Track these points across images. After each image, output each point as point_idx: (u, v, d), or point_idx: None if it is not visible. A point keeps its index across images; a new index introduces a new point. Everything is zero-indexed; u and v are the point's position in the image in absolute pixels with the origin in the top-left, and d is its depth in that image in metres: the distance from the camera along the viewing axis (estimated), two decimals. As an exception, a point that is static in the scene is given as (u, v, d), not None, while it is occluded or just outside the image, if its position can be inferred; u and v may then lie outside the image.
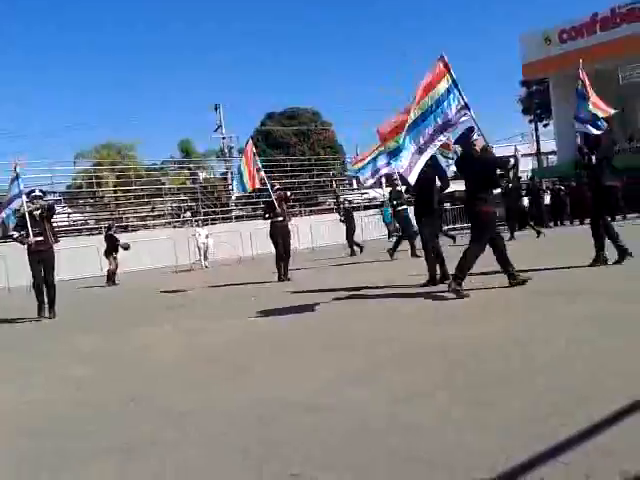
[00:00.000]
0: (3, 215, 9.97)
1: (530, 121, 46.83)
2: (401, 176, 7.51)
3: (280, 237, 11.99)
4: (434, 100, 7.25)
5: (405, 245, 14.31)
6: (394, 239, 24.90)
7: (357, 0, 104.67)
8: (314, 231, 24.14)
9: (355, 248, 18.17)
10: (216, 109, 37.96)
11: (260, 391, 3.99)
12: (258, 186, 13.24)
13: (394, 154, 7.27)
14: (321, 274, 12.95)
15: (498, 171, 7.46)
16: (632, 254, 8.06)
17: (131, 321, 8.32)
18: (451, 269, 7.46)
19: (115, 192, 30.22)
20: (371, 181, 14.43)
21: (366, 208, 31.66)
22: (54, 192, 25.84)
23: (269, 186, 12.59)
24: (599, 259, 8.14)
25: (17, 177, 10.04)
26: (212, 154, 40.38)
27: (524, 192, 24.22)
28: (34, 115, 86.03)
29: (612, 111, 8.91)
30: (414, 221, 9.64)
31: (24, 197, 9.79)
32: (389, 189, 29.73)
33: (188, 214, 28.07)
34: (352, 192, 37.49)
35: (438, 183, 8.46)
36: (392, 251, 14.19)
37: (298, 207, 29.38)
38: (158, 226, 27.55)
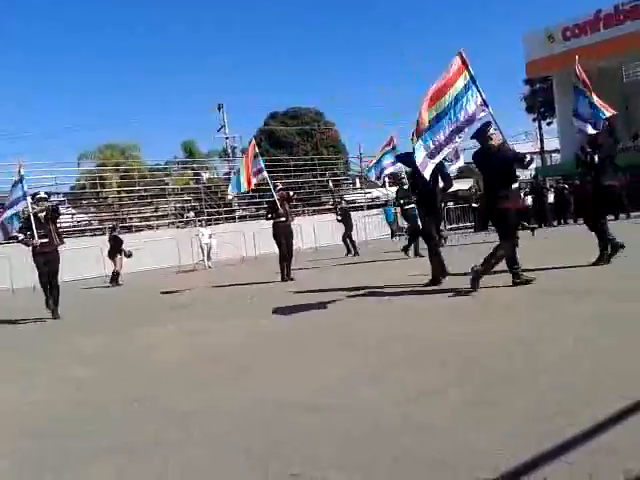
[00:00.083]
0: (4, 216, 10.00)
1: (534, 119, 46.82)
2: (418, 172, 7.54)
3: (283, 237, 11.98)
4: (453, 96, 7.25)
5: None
6: (397, 239, 25.07)
7: (358, 2, 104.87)
8: (317, 231, 24.12)
9: (350, 248, 18.11)
10: (219, 109, 38.08)
11: (264, 391, 3.99)
12: (252, 187, 13.28)
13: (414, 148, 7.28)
14: (324, 274, 12.94)
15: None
16: (623, 245, 8.16)
17: (134, 321, 8.32)
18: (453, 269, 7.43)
19: (119, 192, 30.25)
20: (380, 181, 14.46)
21: (369, 208, 31.63)
22: (57, 193, 25.88)
23: (271, 186, 12.60)
24: (602, 258, 8.12)
25: (21, 179, 10.06)
26: (215, 154, 40.50)
27: (528, 191, 24.24)
28: (35, 116, 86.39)
29: (613, 112, 8.86)
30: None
31: (29, 199, 9.81)
32: (392, 188, 29.81)
33: (191, 214, 28.07)
34: (355, 191, 37.51)
35: (441, 183, 8.44)
36: (406, 249, 14.12)
37: (301, 207, 29.38)
38: (162, 226, 27.57)
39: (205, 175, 34.70)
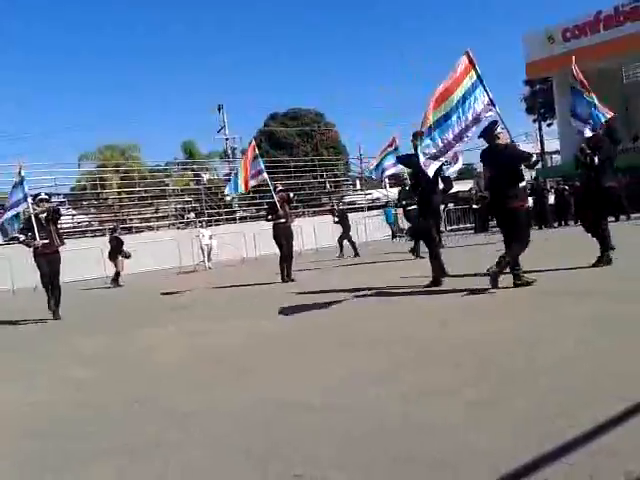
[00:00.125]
0: (5, 218, 10.00)
1: (534, 120, 46.79)
2: (420, 173, 7.59)
3: (283, 238, 11.99)
4: (461, 96, 7.29)
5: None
6: (397, 240, 25.07)
7: (358, 2, 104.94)
8: (318, 232, 24.13)
9: (341, 250, 18.09)
10: (219, 110, 38.03)
11: (264, 391, 3.99)
12: (250, 189, 13.31)
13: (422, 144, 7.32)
14: (325, 275, 12.94)
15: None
16: (614, 247, 8.22)
17: (135, 322, 8.32)
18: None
19: (119, 194, 30.26)
20: (383, 182, 14.45)
21: (369, 209, 31.64)
22: (58, 194, 25.90)
23: (271, 187, 12.61)
24: (603, 259, 8.12)
25: (22, 181, 10.06)
26: (215, 155, 40.49)
27: (528, 192, 24.21)
28: (34, 116, 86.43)
29: (612, 114, 8.84)
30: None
31: (29, 200, 9.81)
32: (392, 189, 29.79)
33: (192, 215, 28.07)
34: (355, 193, 37.53)
35: (441, 185, 8.45)
36: (414, 250, 14.03)
37: (302, 208, 29.38)
38: (162, 227, 27.58)
39: (205, 176, 34.71)
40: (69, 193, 29.63)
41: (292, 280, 11.61)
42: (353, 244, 18.25)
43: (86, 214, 29.57)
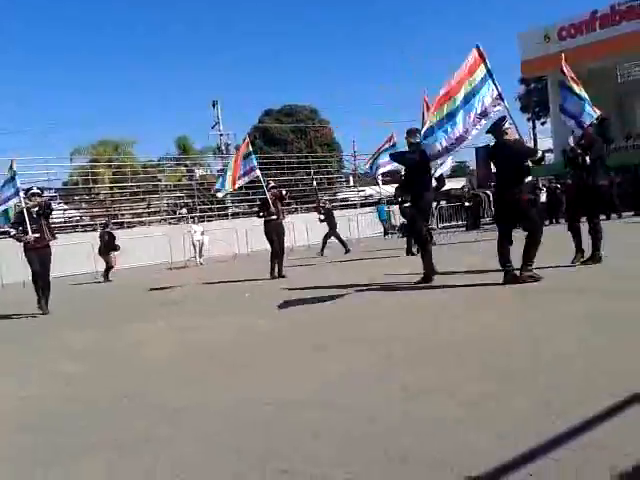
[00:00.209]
0: None
1: (528, 119, 46.94)
2: (411, 170, 7.66)
3: (275, 235, 11.96)
4: (470, 89, 7.36)
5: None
6: (389, 236, 25.08)
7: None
8: (310, 229, 24.08)
9: (323, 248, 18.03)
10: (214, 106, 37.89)
11: (255, 388, 3.98)
12: (236, 189, 13.28)
13: (430, 133, 7.37)
14: (316, 271, 12.92)
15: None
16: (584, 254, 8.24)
17: (125, 317, 8.29)
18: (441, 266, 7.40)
19: (111, 189, 30.13)
20: (378, 172, 14.43)
21: (362, 206, 31.62)
22: (50, 188, 25.75)
23: (264, 184, 12.57)
24: (594, 257, 8.13)
25: (14, 176, 9.99)
26: (209, 151, 40.29)
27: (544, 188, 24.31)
28: (31, 113, 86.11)
29: (599, 112, 8.83)
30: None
31: (21, 194, 9.75)
32: (386, 187, 29.76)
33: (184, 211, 27.97)
34: (348, 189, 37.51)
35: (434, 183, 8.43)
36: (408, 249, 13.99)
37: (295, 204, 29.34)
38: (154, 223, 27.48)
39: (198, 172, 34.60)
40: (61, 188, 29.46)
41: (283, 276, 11.59)
42: (341, 241, 18.14)
43: (77, 209, 29.44)
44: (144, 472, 2.81)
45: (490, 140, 8.07)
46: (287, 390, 3.83)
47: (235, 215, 29.20)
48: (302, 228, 22.74)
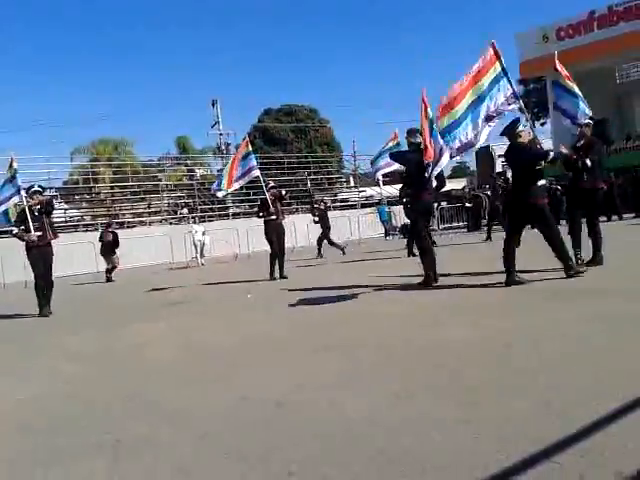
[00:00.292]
0: None
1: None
2: (410, 170, 7.72)
3: (274, 235, 11.95)
4: (484, 86, 7.40)
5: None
6: (390, 237, 25.07)
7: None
8: (310, 229, 24.09)
9: (335, 249, 17.89)
10: (213, 105, 37.88)
11: (255, 389, 3.97)
12: (233, 187, 13.27)
13: (447, 132, 7.42)
14: (317, 273, 12.93)
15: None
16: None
17: (126, 318, 8.28)
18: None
19: (112, 188, 30.11)
20: (378, 174, 14.40)
21: (362, 206, 31.59)
22: (50, 188, 25.73)
23: (263, 184, 12.56)
24: (596, 259, 8.13)
25: (14, 175, 9.96)
26: (209, 151, 40.26)
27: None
28: (32, 112, 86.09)
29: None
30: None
31: (23, 193, 9.72)
32: (386, 187, 29.70)
33: (185, 211, 27.95)
34: (349, 190, 37.48)
35: (434, 183, 8.42)
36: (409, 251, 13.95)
37: (295, 204, 29.33)
38: (154, 223, 27.47)
39: (199, 172, 34.58)
40: (61, 187, 29.45)
41: (284, 277, 11.59)
42: (334, 244, 18.02)
43: (78, 208, 29.42)
44: (144, 473, 2.81)
45: (490, 140, 8.10)
46: (288, 390, 3.83)
47: (236, 215, 29.17)
48: (303, 229, 22.73)
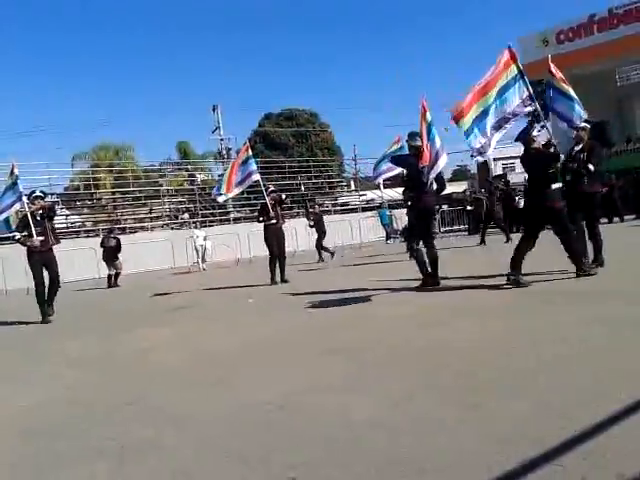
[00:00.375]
0: None
1: (528, 122, 46.86)
2: (411, 174, 7.78)
3: (275, 240, 11.95)
4: (499, 89, 7.47)
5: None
6: (392, 241, 25.04)
7: (356, 2, 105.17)
8: (312, 233, 24.10)
9: (324, 254, 17.89)
10: (214, 110, 37.95)
11: (257, 392, 3.97)
12: (233, 193, 13.29)
13: (467, 133, 7.49)
14: (318, 277, 12.93)
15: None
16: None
17: (128, 324, 8.29)
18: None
19: (113, 194, 30.14)
20: (379, 180, 14.45)
21: (363, 210, 31.60)
22: (52, 194, 25.76)
23: (263, 189, 12.56)
24: (597, 261, 8.13)
25: (15, 181, 9.95)
26: (210, 156, 40.35)
27: (522, 193, 24.26)
28: (32, 117, 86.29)
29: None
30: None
31: (24, 199, 9.72)
32: (387, 190, 29.70)
33: (186, 216, 27.97)
34: (350, 194, 37.50)
35: (434, 185, 8.43)
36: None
37: (297, 208, 29.34)
38: (156, 228, 27.47)
39: (200, 176, 34.61)
40: (62, 193, 29.50)
41: (286, 281, 11.58)
42: (325, 249, 18.09)
43: (79, 214, 29.44)
44: (147, 476, 2.82)
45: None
46: (290, 393, 3.83)
47: (237, 220, 29.16)
48: (304, 233, 22.73)
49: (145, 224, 27.84)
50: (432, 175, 7.97)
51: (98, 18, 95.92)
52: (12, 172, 10.16)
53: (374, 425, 3.11)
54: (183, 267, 20.47)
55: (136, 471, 2.89)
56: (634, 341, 4.22)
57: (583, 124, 8.37)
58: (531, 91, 7.53)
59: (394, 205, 27.87)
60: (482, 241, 16.86)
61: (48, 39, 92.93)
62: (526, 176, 8.23)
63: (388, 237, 26.23)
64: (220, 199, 14.70)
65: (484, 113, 7.43)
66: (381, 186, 22.91)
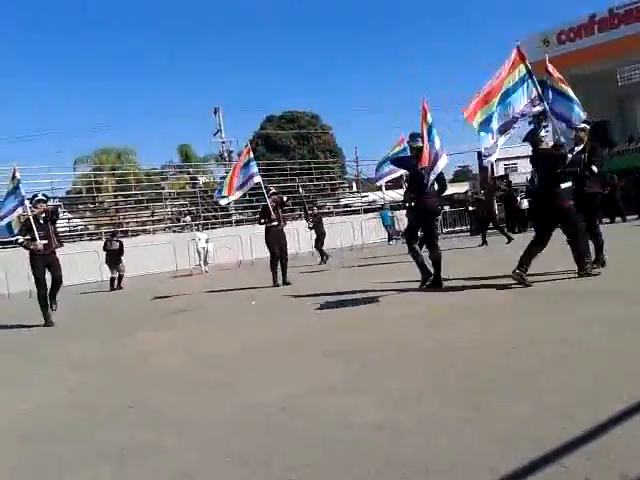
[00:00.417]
0: None
1: (529, 123, 46.87)
2: (411, 175, 7.85)
3: (276, 242, 11.95)
4: (507, 88, 7.55)
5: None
6: (394, 242, 25.05)
7: (356, 4, 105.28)
8: (314, 235, 24.11)
9: (323, 255, 17.86)
10: (215, 113, 38.02)
11: (259, 395, 3.96)
12: (234, 197, 13.31)
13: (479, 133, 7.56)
14: (320, 278, 12.93)
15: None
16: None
17: (130, 327, 8.29)
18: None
19: (115, 197, 30.20)
20: (381, 182, 14.45)
21: (365, 211, 31.61)
22: (54, 197, 25.80)
23: (264, 191, 12.56)
24: (598, 260, 8.11)
25: (17, 185, 9.95)
26: (212, 158, 40.41)
27: (524, 194, 24.29)
28: (36, 120, 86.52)
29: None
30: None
31: (27, 202, 9.72)
32: (389, 192, 29.71)
33: (188, 218, 27.99)
34: (352, 195, 37.51)
35: (435, 186, 8.43)
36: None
37: (299, 210, 29.32)
38: (158, 231, 27.51)
39: (201, 179, 34.64)
40: (65, 197, 29.54)
41: (288, 283, 11.58)
42: (319, 250, 18.17)
43: (82, 218, 29.48)
44: (149, 479, 2.82)
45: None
46: (292, 395, 3.82)
47: (239, 222, 29.18)
48: (306, 235, 22.74)
49: (147, 227, 27.88)
50: (432, 176, 7.98)
51: (98, 21, 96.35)
52: (14, 176, 10.16)
53: (377, 426, 3.10)
54: (185, 270, 20.48)
55: (137, 474, 2.89)
56: (634, 341, 4.21)
57: (582, 125, 8.35)
58: (540, 91, 7.54)
59: (396, 206, 27.86)
60: (484, 242, 16.89)
61: (48, 42, 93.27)
62: (528, 177, 8.31)
63: (390, 238, 26.24)
64: (222, 202, 14.73)
65: (491, 116, 7.46)
66: (383, 187, 22.90)
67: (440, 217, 23.77)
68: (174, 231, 27.25)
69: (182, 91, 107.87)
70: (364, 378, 4.13)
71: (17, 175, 10.10)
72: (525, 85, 7.54)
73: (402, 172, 13.41)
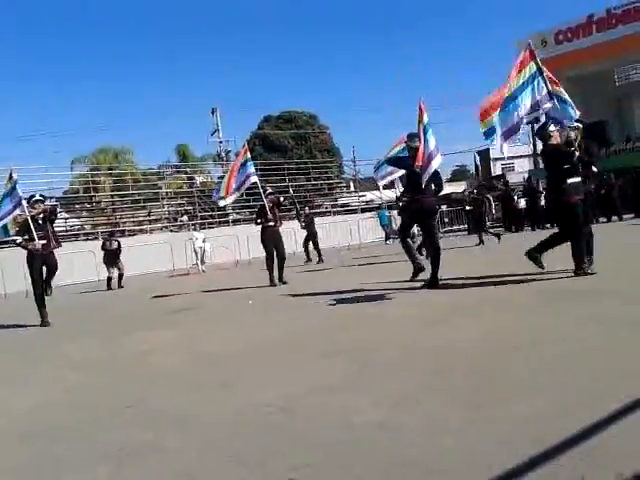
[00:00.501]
0: None
1: (528, 123, 46.90)
2: (409, 175, 7.90)
3: (272, 241, 11.95)
4: (518, 86, 7.62)
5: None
6: (391, 241, 25.03)
7: (356, 4, 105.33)
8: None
9: (316, 257, 17.98)
10: (213, 113, 37.99)
11: (258, 395, 3.97)
12: (232, 198, 13.29)
13: (488, 134, 7.63)
14: (317, 277, 12.93)
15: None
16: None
17: (128, 326, 8.28)
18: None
19: (112, 197, 30.15)
20: (382, 182, 14.46)
21: (363, 211, 31.61)
22: (51, 197, 25.75)
23: (261, 191, 12.55)
24: (590, 260, 8.11)
25: (14, 187, 9.91)
26: (209, 158, 40.38)
27: (521, 193, 24.33)
28: (34, 120, 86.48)
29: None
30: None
31: (24, 203, 9.69)
32: (386, 191, 29.66)
33: (185, 218, 27.95)
34: (349, 195, 37.52)
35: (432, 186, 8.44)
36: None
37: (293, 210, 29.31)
38: (155, 230, 27.47)
39: (199, 179, 34.60)
40: (62, 196, 29.47)
41: (285, 283, 11.57)
42: (307, 252, 18.43)
43: (79, 218, 29.43)
44: (148, 479, 2.82)
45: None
46: (292, 395, 3.83)
47: (236, 222, 29.15)
48: (303, 234, 22.73)
49: (144, 227, 27.83)
50: (425, 175, 7.98)
51: (97, 22, 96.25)
52: (10, 177, 10.11)
53: (377, 426, 3.11)
54: (182, 269, 20.45)
55: (137, 474, 2.89)
56: (630, 341, 4.22)
57: (575, 124, 8.36)
58: (549, 88, 7.57)
59: (393, 206, 27.86)
60: (480, 241, 16.96)
61: (46, 43, 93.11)
62: (525, 176, 8.37)
63: (387, 238, 26.24)
64: (221, 203, 14.72)
65: (503, 116, 7.54)
66: (380, 187, 22.83)
67: (437, 216, 23.77)
68: (171, 231, 27.20)
69: (180, 91, 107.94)
70: (364, 378, 4.13)
71: (14, 176, 10.06)
72: (536, 82, 7.61)
73: (402, 172, 13.41)
